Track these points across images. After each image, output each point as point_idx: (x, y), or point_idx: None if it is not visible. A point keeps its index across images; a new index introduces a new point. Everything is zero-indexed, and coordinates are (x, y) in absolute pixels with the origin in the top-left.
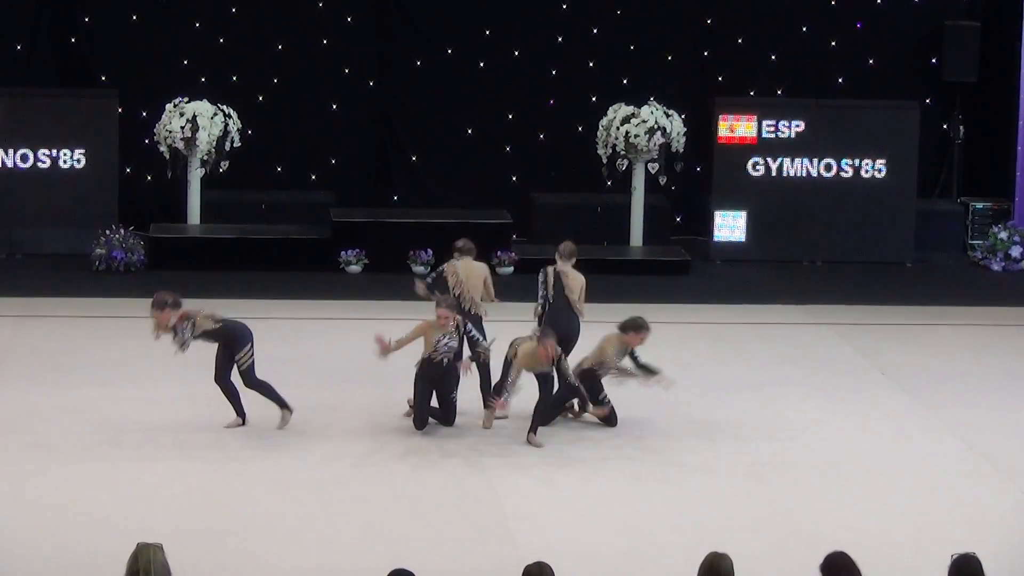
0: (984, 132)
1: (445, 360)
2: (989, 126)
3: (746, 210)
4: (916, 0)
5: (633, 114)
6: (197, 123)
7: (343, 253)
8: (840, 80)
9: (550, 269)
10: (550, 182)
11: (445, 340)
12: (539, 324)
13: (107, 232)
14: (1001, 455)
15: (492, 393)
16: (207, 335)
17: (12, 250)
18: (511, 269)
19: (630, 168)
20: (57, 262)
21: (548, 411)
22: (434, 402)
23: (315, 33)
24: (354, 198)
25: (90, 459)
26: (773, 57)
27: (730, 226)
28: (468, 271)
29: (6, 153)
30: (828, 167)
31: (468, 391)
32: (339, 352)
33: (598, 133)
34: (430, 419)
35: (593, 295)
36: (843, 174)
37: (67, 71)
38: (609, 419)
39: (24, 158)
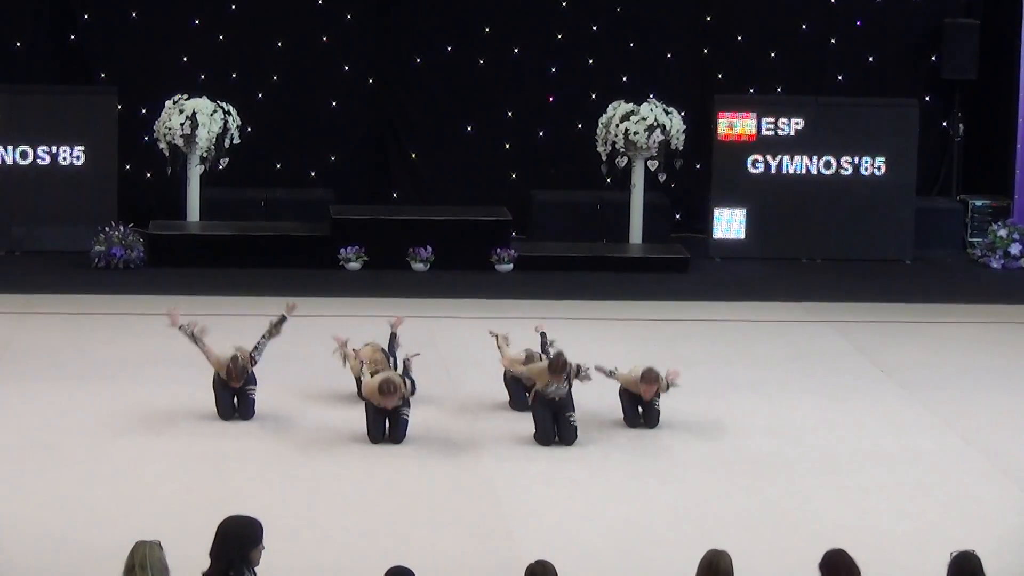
0: (983, 130)
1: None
2: (988, 124)
3: (745, 207)
4: None
5: (633, 111)
6: (196, 120)
7: (342, 250)
8: (840, 78)
9: None
10: (549, 179)
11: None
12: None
13: (106, 229)
14: (1000, 452)
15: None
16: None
17: (11, 247)
18: (510, 267)
19: (629, 165)
20: (56, 259)
21: None
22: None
23: (315, 30)
24: (353, 195)
25: (89, 456)
26: (773, 55)
27: (729, 223)
28: None
29: (5, 150)
30: (828, 165)
31: (459, 392)
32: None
33: (597, 130)
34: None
35: (592, 293)
36: (842, 171)
37: (66, 68)
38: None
39: (23, 155)
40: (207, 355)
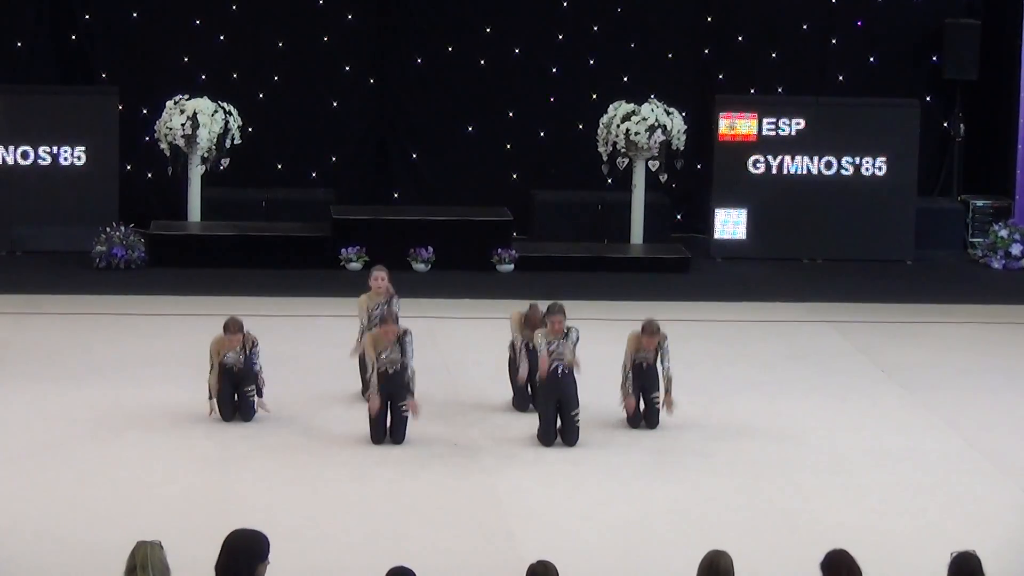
0: (984, 130)
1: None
2: (989, 124)
3: (746, 208)
4: None
5: (634, 112)
6: (197, 120)
7: (343, 250)
8: (840, 78)
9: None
10: (550, 180)
11: (379, 310)
12: None
13: (108, 229)
14: (1001, 452)
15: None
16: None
17: (13, 247)
18: (511, 267)
19: (631, 166)
20: (58, 259)
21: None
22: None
23: (315, 30)
24: (354, 195)
25: (89, 455)
26: (774, 55)
27: (731, 224)
28: None
29: (7, 150)
30: (828, 165)
31: (460, 392)
32: (339, 350)
33: (599, 131)
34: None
35: (593, 293)
36: (843, 172)
37: (68, 68)
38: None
39: (25, 155)
40: (211, 356)
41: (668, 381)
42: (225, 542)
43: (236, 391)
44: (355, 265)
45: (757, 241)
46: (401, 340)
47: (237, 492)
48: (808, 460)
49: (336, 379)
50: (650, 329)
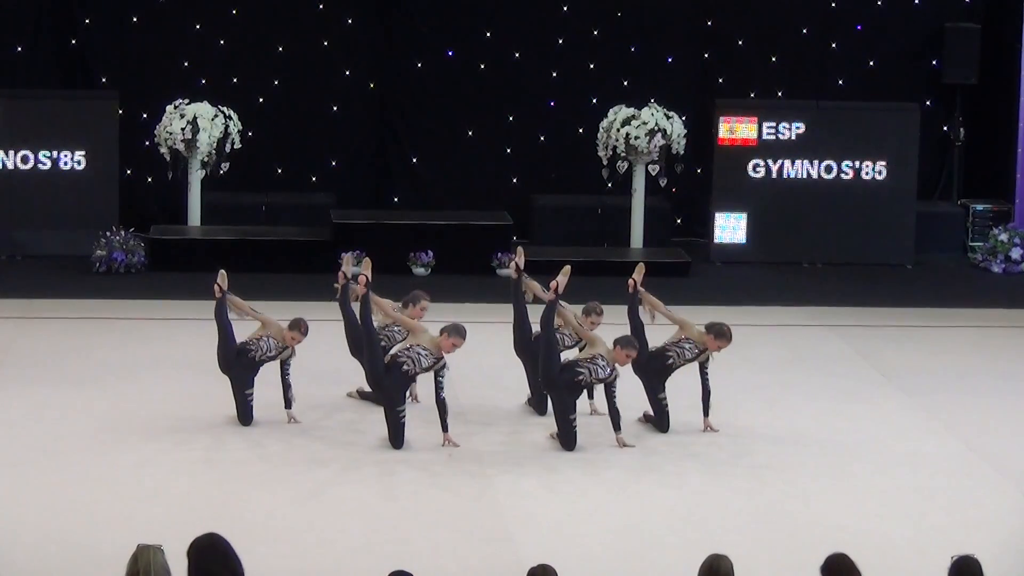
0: (984, 134)
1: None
2: (989, 128)
3: (746, 212)
4: (916, 2)
5: (633, 116)
6: (197, 125)
7: (343, 255)
8: (840, 82)
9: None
10: (550, 184)
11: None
12: None
13: (107, 234)
14: (1001, 456)
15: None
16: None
17: (13, 252)
18: (511, 271)
19: (630, 170)
20: (58, 264)
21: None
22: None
23: (316, 34)
24: (354, 200)
25: (90, 460)
26: (773, 59)
27: (730, 228)
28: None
29: (6, 155)
30: (828, 169)
31: (460, 396)
32: (339, 353)
33: (598, 135)
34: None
35: (593, 297)
36: (843, 176)
37: (67, 72)
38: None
39: (24, 160)
40: (260, 320)
41: (708, 396)
42: (194, 550)
43: (237, 392)
44: (355, 269)
45: (757, 245)
46: (436, 368)
47: (237, 496)
48: (808, 464)
49: (335, 382)
50: (729, 335)
